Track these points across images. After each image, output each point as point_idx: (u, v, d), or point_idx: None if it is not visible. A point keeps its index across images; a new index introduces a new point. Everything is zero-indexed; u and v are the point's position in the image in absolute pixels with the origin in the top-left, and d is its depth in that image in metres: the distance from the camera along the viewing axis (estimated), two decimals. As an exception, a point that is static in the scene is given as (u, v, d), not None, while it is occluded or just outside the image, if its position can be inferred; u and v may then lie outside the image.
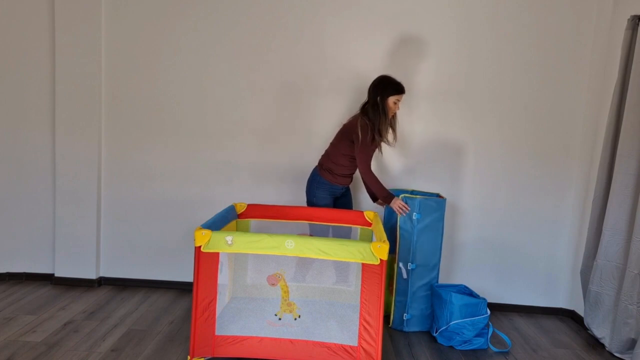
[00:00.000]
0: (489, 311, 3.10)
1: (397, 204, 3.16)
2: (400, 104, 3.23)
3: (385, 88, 3.16)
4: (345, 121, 3.31)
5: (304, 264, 2.76)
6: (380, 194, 3.21)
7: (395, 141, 3.35)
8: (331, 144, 3.34)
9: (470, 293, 3.24)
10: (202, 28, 3.63)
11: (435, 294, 3.20)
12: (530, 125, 3.62)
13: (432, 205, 3.23)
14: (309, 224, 3.32)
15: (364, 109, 3.21)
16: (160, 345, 2.86)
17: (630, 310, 2.95)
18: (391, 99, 3.16)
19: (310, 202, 3.37)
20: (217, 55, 3.65)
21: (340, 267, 2.81)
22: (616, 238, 3.11)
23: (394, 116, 3.28)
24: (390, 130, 3.27)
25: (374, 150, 3.24)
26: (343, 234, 3.32)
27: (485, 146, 3.65)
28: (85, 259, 3.76)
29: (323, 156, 3.36)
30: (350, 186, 3.51)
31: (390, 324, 3.30)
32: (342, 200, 3.45)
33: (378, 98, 3.15)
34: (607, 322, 3.16)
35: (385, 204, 3.35)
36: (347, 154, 3.23)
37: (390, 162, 3.68)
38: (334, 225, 3.32)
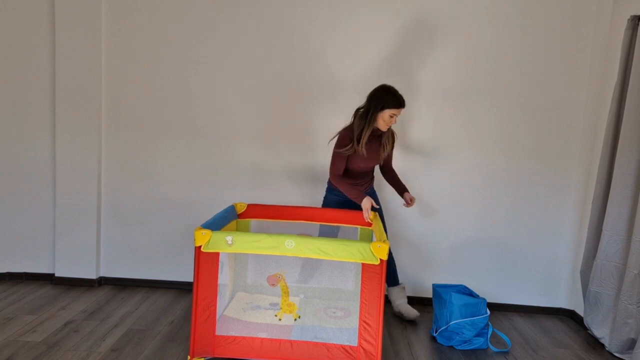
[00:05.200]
0: (488, 311, 3.10)
1: (365, 206, 3.08)
2: (397, 118, 3.13)
3: (383, 99, 3.05)
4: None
5: (305, 265, 2.76)
6: (350, 196, 3.14)
7: (381, 158, 3.26)
8: None
9: (470, 293, 3.23)
10: (202, 29, 3.63)
11: (435, 294, 3.21)
12: (530, 125, 3.62)
13: None
14: (320, 225, 3.32)
15: (356, 113, 3.17)
16: (160, 345, 2.86)
17: (630, 310, 2.96)
18: (387, 112, 3.05)
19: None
20: (218, 56, 3.65)
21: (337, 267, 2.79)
22: (616, 238, 3.10)
23: (389, 131, 3.20)
24: (376, 144, 3.18)
25: (344, 158, 3.14)
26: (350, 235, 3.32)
27: (484, 146, 3.65)
28: (85, 259, 3.76)
29: None
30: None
31: None
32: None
33: (372, 107, 3.06)
34: (607, 322, 3.17)
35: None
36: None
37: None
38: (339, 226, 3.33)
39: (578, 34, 3.54)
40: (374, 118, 3.08)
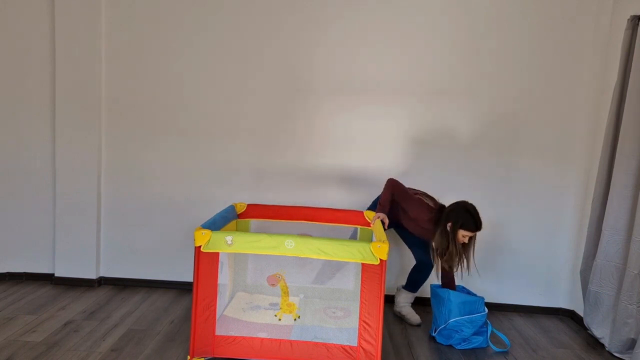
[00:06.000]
0: (486, 309, 3.10)
1: (377, 215, 3.08)
2: (468, 239, 3.05)
3: (461, 218, 2.99)
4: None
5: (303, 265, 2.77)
6: (381, 200, 3.16)
7: (468, 271, 3.16)
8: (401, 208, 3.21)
9: (469, 293, 3.23)
10: (202, 30, 3.63)
11: (433, 294, 3.21)
12: (530, 124, 3.62)
13: None
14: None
15: (441, 209, 3.12)
16: (160, 345, 2.87)
17: (630, 310, 2.96)
18: (461, 232, 3.00)
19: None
20: (218, 56, 3.65)
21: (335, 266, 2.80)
22: (616, 238, 3.10)
23: (464, 245, 3.09)
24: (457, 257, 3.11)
25: (407, 202, 3.15)
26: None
27: (485, 146, 3.65)
28: (85, 258, 3.76)
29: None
30: (351, 188, 3.51)
31: None
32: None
33: (449, 225, 3.01)
34: (607, 322, 3.17)
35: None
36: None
37: (387, 161, 3.67)
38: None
39: (578, 34, 3.54)
40: (454, 232, 3.02)
